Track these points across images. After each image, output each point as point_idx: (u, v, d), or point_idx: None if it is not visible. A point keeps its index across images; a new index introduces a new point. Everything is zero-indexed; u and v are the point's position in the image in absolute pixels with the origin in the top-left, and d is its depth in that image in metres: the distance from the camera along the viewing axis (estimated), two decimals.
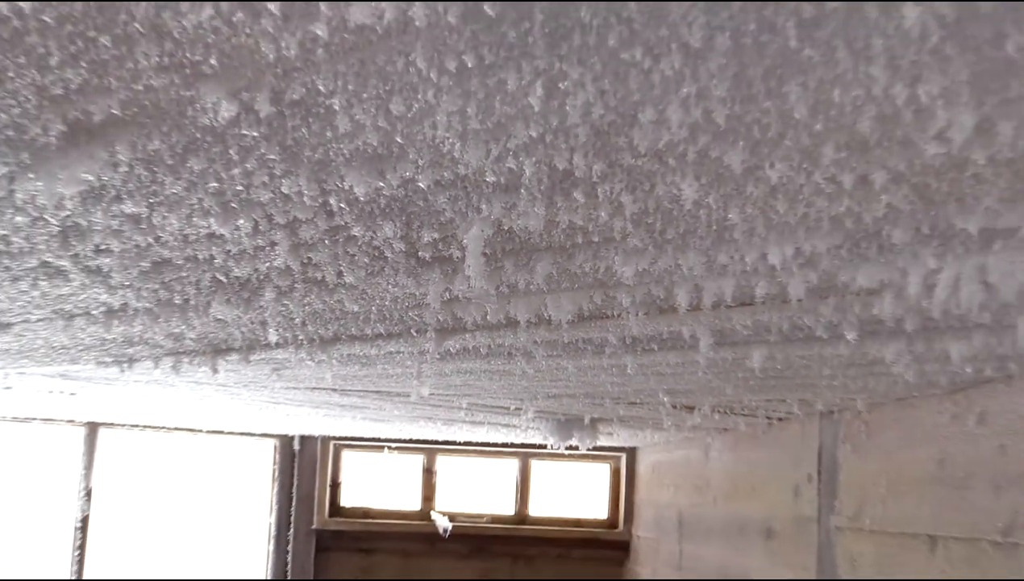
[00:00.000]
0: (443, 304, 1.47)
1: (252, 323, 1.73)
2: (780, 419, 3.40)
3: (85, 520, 5.55)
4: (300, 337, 1.83)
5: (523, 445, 5.85)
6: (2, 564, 5.42)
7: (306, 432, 5.72)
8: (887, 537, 2.69)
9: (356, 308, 1.52)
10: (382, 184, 0.94)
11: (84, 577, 5.51)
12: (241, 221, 1.07)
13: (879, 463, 2.76)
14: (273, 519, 5.98)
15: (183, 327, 1.79)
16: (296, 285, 1.39)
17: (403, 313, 1.57)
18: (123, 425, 5.55)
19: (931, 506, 2.47)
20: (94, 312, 1.74)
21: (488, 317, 1.52)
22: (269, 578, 5.92)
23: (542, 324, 1.58)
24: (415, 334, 1.76)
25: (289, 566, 5.89)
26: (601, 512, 6.04)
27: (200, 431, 5.69)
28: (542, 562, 5.98)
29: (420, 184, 0.94)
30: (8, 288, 1.55)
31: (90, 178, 0.95)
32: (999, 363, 1.92)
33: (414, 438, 5.73)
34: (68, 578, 5.50)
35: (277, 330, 1.72)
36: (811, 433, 3.23)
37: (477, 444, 5.84)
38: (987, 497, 2.23)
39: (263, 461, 6.02)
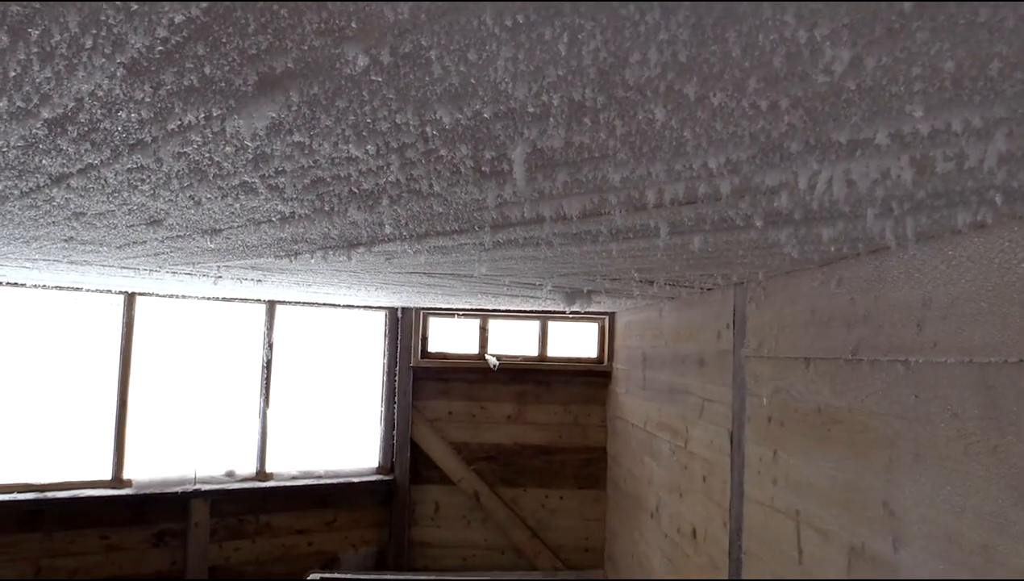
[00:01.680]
0: (496, 206, 1.45)
1: (373, 224, 1.72)
2: (708, 289, 3.38)
3: (269, 363, 5.63)
4: (404, 233, 1.82)
5: (543, 311, 5.87)
6: (221, 392, 5.52)
7: (405, 305, 5.75)
8: (778, 360, 2.69)
9: (441, 210, 1.50)
10: (460, 116, 0.92)
11: (270, 398, 5.62)
12: (368, 146, 1.06)
13: (772, 314, 2.75)
14: (385, 361, 6.05)
15: (329, 228, 1.79)
16: (403, 194, 1.38)
17: (470, 214, 1.56)
18: (291, 302, 5.60)
19: (806, 340, 2.46)
20: (273, 219, 1.74)
21: (524, 215, 1.51)
22: (384, 395, 6.02)
23: (559, 220, 1.56)
24: (477, 230, 1.75)
25: (396, 390, 5.98)
26: (593, 353, 6.07)
27: (338, 306, 5.73)
28: (556, 385, 6.04)
29: (485, 115, 0.92)
30: (219, 202, 1.55)
31: (272, 115, 0.94)
32: (852, 244, 1.90)
33: (473, 307, 5.75)
34: (259, 396, 5.61)
35: (391, 228, 1.71)
36: (728, 297, 3.22)
37: (513, 311, 5.87)
38: (841, 331, 2.22)
39: (378, 324, 6.07)
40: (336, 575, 4.24)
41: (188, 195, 1.48)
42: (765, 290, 2.81)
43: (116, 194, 1.49)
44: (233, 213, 1.68)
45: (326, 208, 1.54)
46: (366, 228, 1.78)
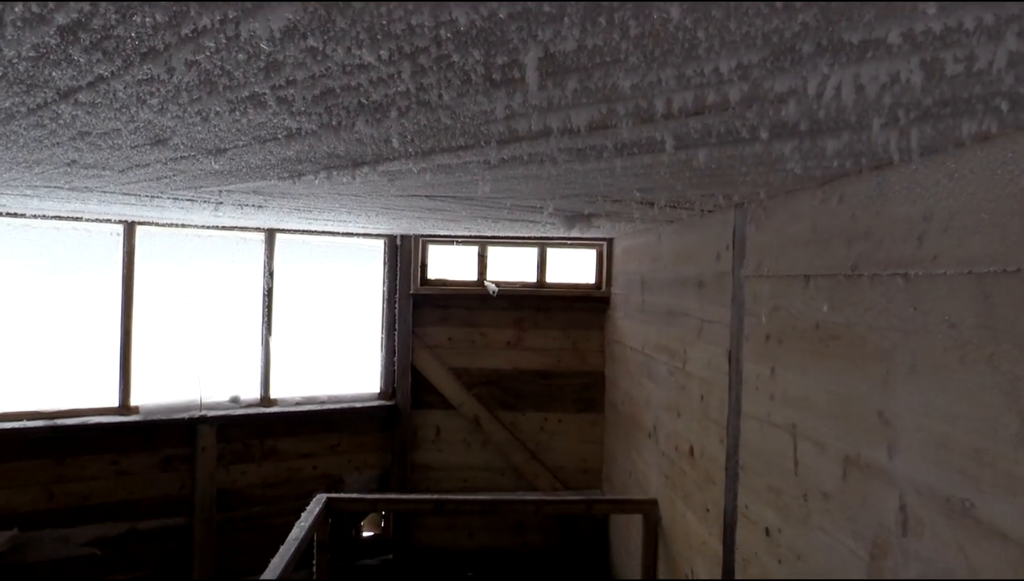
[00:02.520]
0: (504, 118, 1.45)
1: (380, 140, 1.72)
2: (709, 211, 3.39)
3: (269, 291, 5.66)
4: (410, 150, 1.82)
5: (542, 238, 5.88)
6: (220, 321, 5.56)
7: (404, 232, 5.76)
8: (777, 279, 2.72)
9: (448, 123, 1.50)
10: (476, 16, 0.92)
11: (272, 326, 5.66)
12: (381, 51, 1.06)
13: (773, 234, 2.77)
14: (385, 288, 6.08)
15: (335, 144, 1.79)
16: (412, 106, 1.38)
17: (477, 128, 1.56)
18: (290, 231, 5.60)
19: (806, 258, 2.49)
20: (280, 136, 1.73)
21: (532, 127, 1.51)
22: (385, 322, 6.07)
23: (566, 133, 1.57)
24: (483, 145, 1.75)
25: (396, 317, 6.03)
26: (591, 279, 6.10)
27: (337, 233, 5.73)
28: (555, 311, 6.09)
29: (500, 15, 0.92)
30: (227, 118, 1.55)
31: (289, 17, 0.93)
32: (855, 158, 1.91)
33: (473, 234, 5.76)
34: (261, 324, 5.65)
35: (398, 143, 1.71)
36: (728, 219, 3.23)
37: (512, 237, 5.88)
38: (842, 248, 2.24)
39: (377, 252, 6.08)
40: (341, 495, 4.35)
41: (196, 110, 1.48)
42: (766, 210, 2.82)
43: (124, 109, 1.49)
44: (239, 130, 1.67)
45: (334, 122, 1.54)
46: (372, 145, 1.78)
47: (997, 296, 1.58)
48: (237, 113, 1.50)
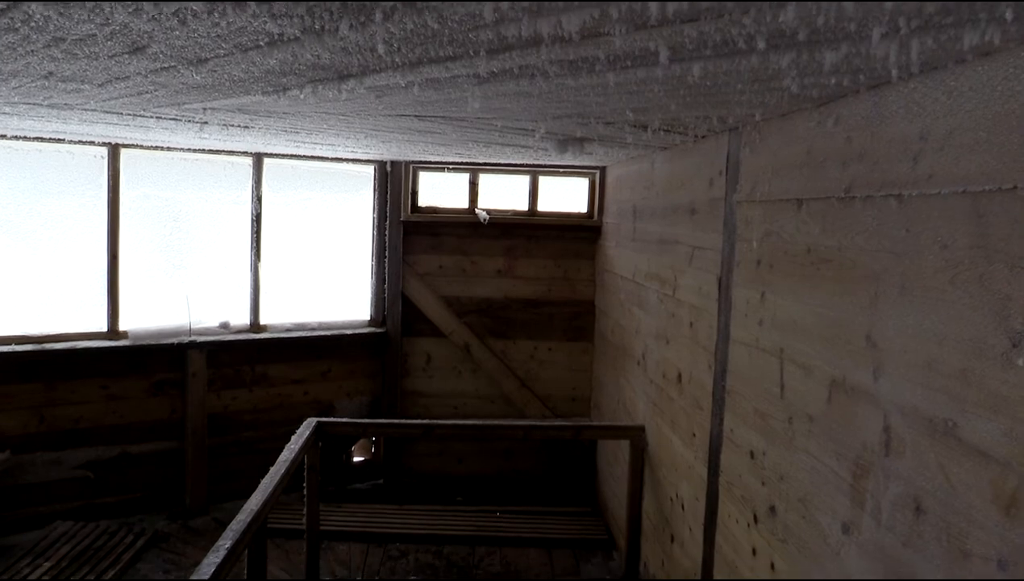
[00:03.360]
0: (494, 23, 1.41)
1: (365, 49, 1.67)
2: (702, 136, 3.34)
3: (258, 217, 5.61)
4: (397, 60, 1.77)
5: (534, 165, 5.82)
6: (208, 243, 5.52)
7: (395, 158, 5.68)
8: (770, 203, 2.69)
9: (436, 27, 1.45)
10: None
11: (261, 252, 5.63)
12: None
13: (767, 158, 2.74)
14: (375, 215, 6.04)
15: (319, 52, 1.73)
16: (396, 6, 1.33)
17: (465, 34, 1.51)
18: (278, 155, 5.52)
19: (799, 182, 2.46)
20: (261, 43, 1.68)
21: (522, 33, 1.46)
22: (375, 249, 6.04)
23: (557, 41, 1.52)
24: (472, 56, 1.70)
25: (387, 244, 6.00)
26: (583, 209, 6.07)
27: (326, 158, 5.65)
28: (546, 240, 6.07)
29: None
30: (206, 20, 1.49)
31: None
32: (853, 76, 1.87)
33: (464, 161, 5.69)
34: (250, 250, 5.62)
35: (384, 50, 1.65)
36: (722, 144, 3.19)
37: (503, 165, 5.82)
38: (836, 171, 2.22)
39: (367, 179, 6.01)
40: (331, 419, 4.38)
41: (172, 11, 1.43)
42: (760, 133, 2.78)
43: (97, 10, 1.43)
44: (219, 35, 1.62)
45: (316, 26, 1.48)
46: (357, 54, 1.72)
47: (991, 215, 1.56)
48: (216, 15, 1.45)
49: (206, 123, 3.50)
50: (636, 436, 4.31)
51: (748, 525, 2.78)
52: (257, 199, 5.58)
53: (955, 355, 1.65)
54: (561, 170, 5.90)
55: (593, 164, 5.59)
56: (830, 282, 2.23)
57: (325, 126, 3.44)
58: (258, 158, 5.53)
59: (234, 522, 2.74)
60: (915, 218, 1.82)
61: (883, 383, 1.92)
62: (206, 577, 2.30)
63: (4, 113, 3.46)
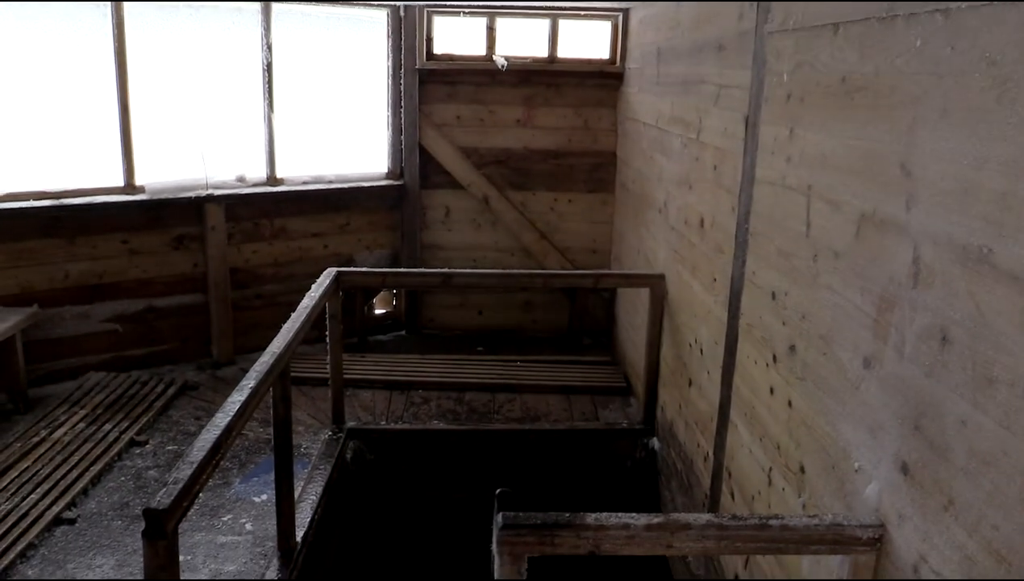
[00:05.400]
0: None
1: None
2: None
3: (269, 66, 5.46)
4: None
5: (553, 8, 5.57)
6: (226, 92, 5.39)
7: (408, 2, 5.44)
8: (803, 32, 2.54)
9: None
10: None
11: (274, 103, 5.50)
12: None
13: None
14: (390, 63, 5.84)
15: None
16: None
17: None
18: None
19: (836, 4, 2.30)
20: None
21: None
22: (391, 100, 5.89)
23: None
24: None
25: (402, 94, 5.83)
26: (605, 54, 5.83)
27: (337, 1, 5.42)
28: (566, 88, 5.88)
29: None
30: None
31: None
32: None
33: (480, 4, 5.45)
34: (263, 102, 5.49)
35: None
36: None
37: (523, 6, 5.57)
38: None
39: (380, 25, 5.79)
40: (351, 269, 4.40)
41: None
42: None
43: None
44: None
45: None
46: None
47: None
48: None
49: None
50: (656, 284, 4.29)
51: (767, 365, 2.79)
52: (267, 47, 5.39)
53: (995, 178, 1.56)
54: (582, 13, 5.63)
55: (616, 6, 5.32)
56: (865, 111, 2.12)
57: None
58: (266, 4, 5.31)
59: (257, 363, 2.78)
60: (962, 33, 1.69)
61: (915, 213, 1.85)
62: (231, 414, 2.35)
63: None
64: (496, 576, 1.83)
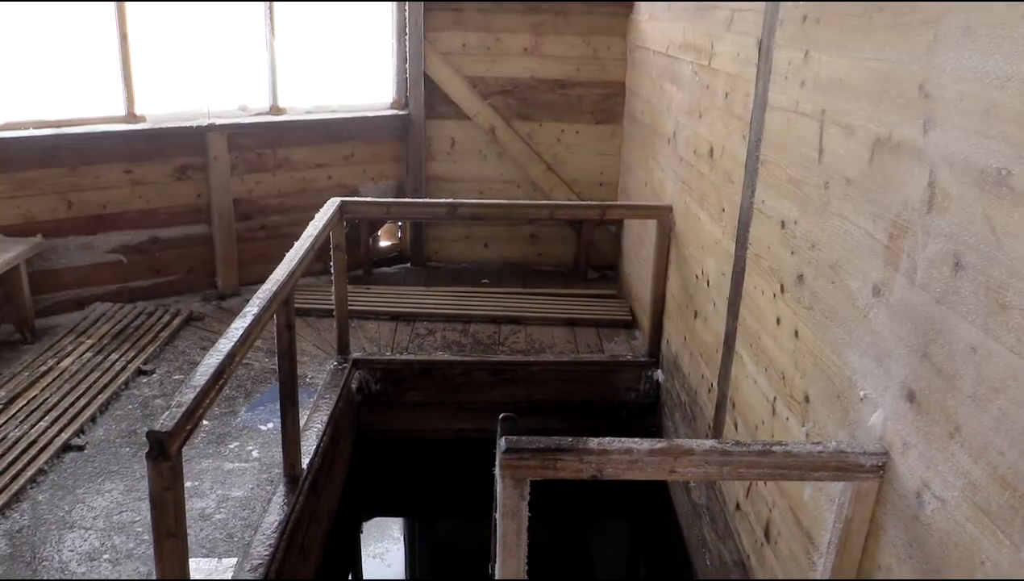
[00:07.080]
0: None
1: None
2: None
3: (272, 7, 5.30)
4: None
5: None
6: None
7: None
8: None
9: None
10: None
11: (275, 30, 5.37)
12: None
13: None
14: None
15: None
16: None
17: None
18: None
19: None
20: None
21: None
22: (395, 27, 5.74)
23: None
24: None
25: (407, 20, 5.68)
26: None
27: None
28: (575, 15, 5.72)
29: None
30: None
31: None
32: None
33: None
34: (265, 28, 5.36)
35: None
36: None
37: None
38: None
39: None
40: (355, 198, 4.35)
41: None
42: None
43: None
44: None
45: None
46: None
47: None
48: None
49: None
50: (663, 215, 4.23)
51: (774, 295, 2.76)
52: None
53: (1018, 98, 1.50)
54: None
55: None
56: (883, 31, 2.04)
57: None
58: None
59: (260, 291, 2.76)
60: None
61: (933, 136, 1.79)
62: (234, 340, 2.34)
63: None
64: (498, 499, 1.83)
